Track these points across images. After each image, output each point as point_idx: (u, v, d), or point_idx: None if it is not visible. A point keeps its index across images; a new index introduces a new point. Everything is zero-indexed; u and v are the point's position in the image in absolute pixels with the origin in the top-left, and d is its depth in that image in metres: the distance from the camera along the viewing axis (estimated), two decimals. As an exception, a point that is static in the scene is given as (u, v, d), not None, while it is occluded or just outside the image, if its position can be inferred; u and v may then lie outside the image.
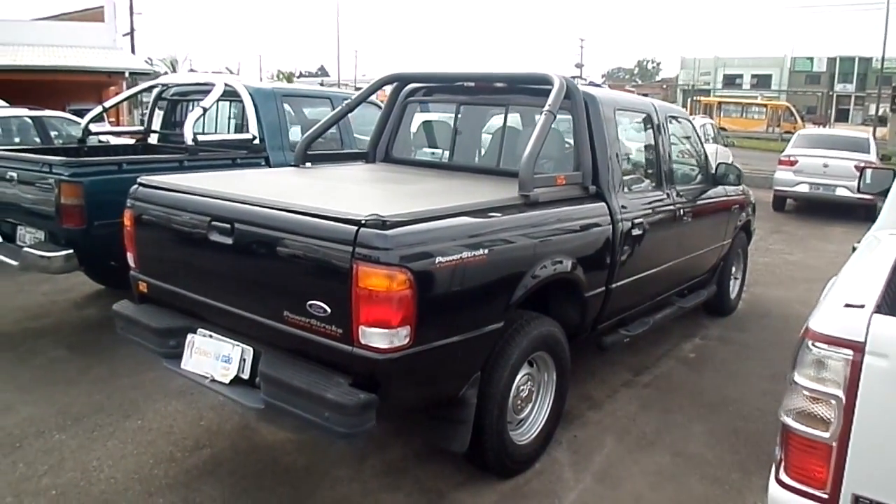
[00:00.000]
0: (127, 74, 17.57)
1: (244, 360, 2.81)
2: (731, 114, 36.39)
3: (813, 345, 1.49)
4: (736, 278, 6.01)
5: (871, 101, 40.32)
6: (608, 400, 4.17)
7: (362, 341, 2.40)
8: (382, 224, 2.37)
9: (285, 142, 5.61)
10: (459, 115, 4.17)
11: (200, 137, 5.07)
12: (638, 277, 3.96)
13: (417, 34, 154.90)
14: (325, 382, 2.49)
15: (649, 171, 4.28)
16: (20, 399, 3.89)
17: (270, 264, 2.68)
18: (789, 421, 1.53)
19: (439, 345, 2.57)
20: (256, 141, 5.36)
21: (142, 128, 6.36)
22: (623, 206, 3.72)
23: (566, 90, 3.52)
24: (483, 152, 4.18)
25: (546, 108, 3.33)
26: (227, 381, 2.82)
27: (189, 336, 3.00)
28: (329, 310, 2.46)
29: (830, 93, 46.83)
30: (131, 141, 7.08)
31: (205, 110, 5.08)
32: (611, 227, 3.59)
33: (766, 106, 39.00)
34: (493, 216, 2.86)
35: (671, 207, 4.31)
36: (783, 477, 1.54)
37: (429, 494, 3.10)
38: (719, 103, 37.39)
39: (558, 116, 3.50)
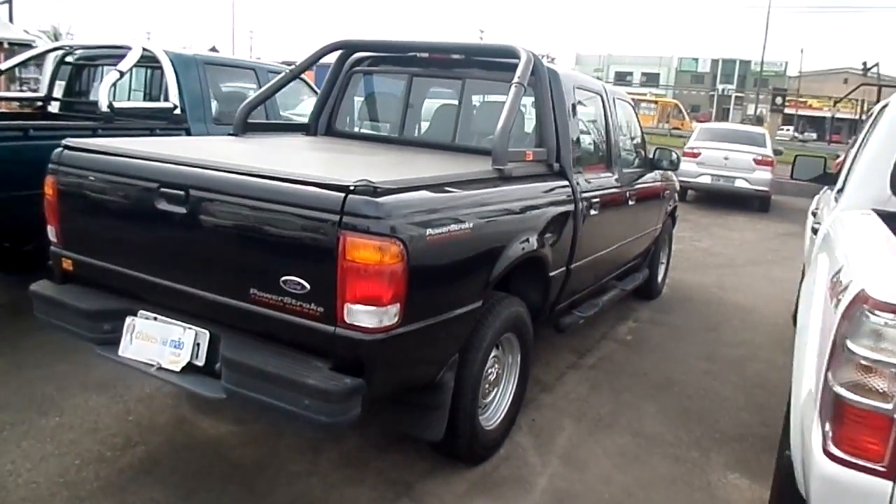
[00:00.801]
0: (5, 45, 15.88)
1: (198, 344, 2.50)
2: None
3: (872, 313, 1.45)
4: (662, 263, 6.17)
5: (749, 101, 43.26)
6: (558, 383, 4.12)
7: (347, 320, 2.18)
8: (373, 191, 2.15)
9: (207, 113, 5.20)
10: (411, 88, 3.96)
11: (116, 105, 4.58)
12: (592, 258, 3.93)
13: (313, 18, 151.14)
14: (301, 367, 2.25)
15: (600, 152, 4.26)
16: None
17: (234, 236, 2.40)
18: (843, 392, 1.48)
19: (425, 325, 2.38)
20: (177, 111, 4.93)
21: (40, 94, 5.70)
22: (582, 185, 3.66)
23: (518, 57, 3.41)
24: (435, 127, 3.99)
25: (515, 80, 3.20)
26: (177, 369, 2.50)
27: (128, 319, 2.65)
28: (308, 286, 2.22)
29: (712, 92, 49.90)
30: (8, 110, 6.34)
31: (121, 74, 4.59)
32: (573, 205, 3.53)
33: (656, 103, 40.90)
34: (475, 189, 2.71)
35: (618, 189, 4.31)
36: (833, 449, 1.50)
37: (395, 486, 2.91)
38: (615, 99, 38.81)
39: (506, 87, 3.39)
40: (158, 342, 2.58)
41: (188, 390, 2.50)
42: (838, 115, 40.86)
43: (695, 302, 6.21)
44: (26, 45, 16.10)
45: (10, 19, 19.47)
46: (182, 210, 2.44)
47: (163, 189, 2.48)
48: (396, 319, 2.23)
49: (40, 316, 2.93)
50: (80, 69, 5.69)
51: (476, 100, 3.94)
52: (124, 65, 4.63)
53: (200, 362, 2.50)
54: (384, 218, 2.13)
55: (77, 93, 5.66)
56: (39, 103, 5.64)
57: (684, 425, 3.70)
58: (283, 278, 2.25)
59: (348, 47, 4.01)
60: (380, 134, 4.07)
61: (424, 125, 4.05)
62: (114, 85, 4.56)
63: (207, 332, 2.49)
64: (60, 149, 2.85)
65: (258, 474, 2.93)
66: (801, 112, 43.56)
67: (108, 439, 3.11)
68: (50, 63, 5.65)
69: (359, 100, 4.28)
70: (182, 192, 2.43)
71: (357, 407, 2.24)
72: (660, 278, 6.13)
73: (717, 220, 11.00)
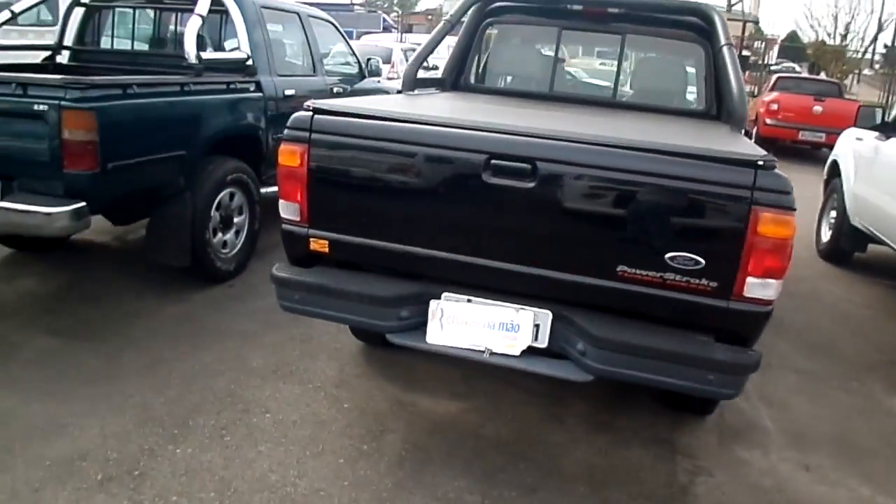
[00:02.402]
0: None
1: (537, 325, 2.37)
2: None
3: None
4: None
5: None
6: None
7: (746, 294, 2.16)
8: (774, 165, 2.12)
9: (272, 63, 4.71)
10: (559, 42, 3.82)
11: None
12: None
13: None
14: (693, 343, 2.23)
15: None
16: (62, 410, 2.86)
17: (604, 214, 2.26)
18: None
19: None
20: (250, 62, 4.42)
21: (50, 43, 4.80)
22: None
23: (710, 18, 3.43)
24: (591, 82, 3.91)
25: (723, 42, 3.22)
26: (517, 353, 2.37)
27: (432, 304, 2.44)
28: (702, 262, 2.16)
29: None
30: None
31: (203, 19, 4.00)
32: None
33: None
34: None
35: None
36: None
37: (662, 444, 2.96)
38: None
39: (676, 45, 3.44)
40: (481, 325, 2.41)
41: (539, 374, 2.36)
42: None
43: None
44: None
45: None
46: (527, 185, 2.25)
47: (495, 161, 2.27)
48: (779, 290, 2.25)
49: (292, 305, 2.61)
50: (91, 13, 4.87)
51: (636, 56, 3.89)
52: (202, 8, 4.04)
53: (542, 344, 2.37)
54: (790, 192, 2.12)
55: (92, 41, 4.87)
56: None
57: (823, 359, 4.02)
58: (671, 254, 2.18)
59: None
60: (528, 90, 3.89)
61: (579, 80, 3.94)
62: (199, 31, 3.98)
63: (549, 313, 2.36)
64: (308, 113, 2.48)
65: (530, 449, 2.85)
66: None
67: (345, 431, 2.88)
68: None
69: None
70: (527, 166, 2.24)
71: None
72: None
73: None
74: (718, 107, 3.62)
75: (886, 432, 3.25)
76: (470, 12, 3.83)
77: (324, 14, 5.75)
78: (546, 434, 2.98)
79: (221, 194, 4.20)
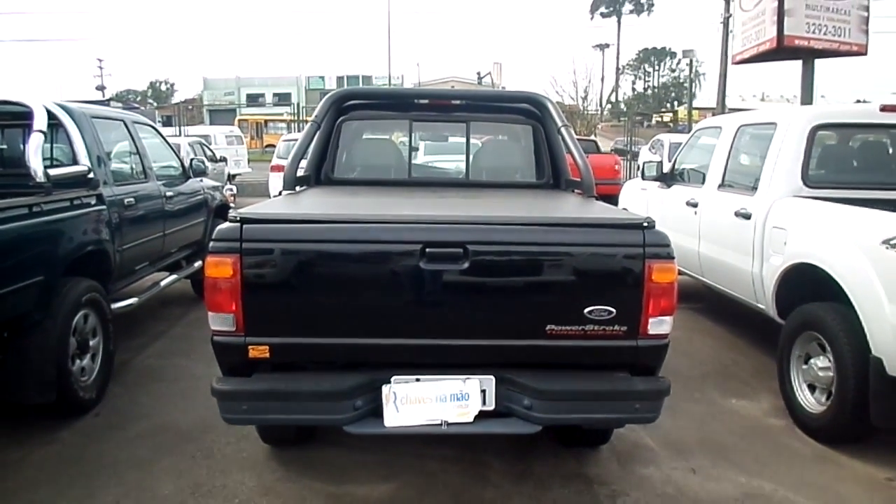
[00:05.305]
0: None
1: (484, 391, 2.62)
2: (280, 130, 38.19)
3: None
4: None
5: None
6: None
7: (650, 332, 2.62)
8: (654, 224, 2.64)
9: (109, 174, 4.53)
10: (412, 132, 4.21)
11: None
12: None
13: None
14: (616, 380, 2.63)
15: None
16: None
17: (527, 283, 2.59)
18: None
19: None
20: (91, 175, 4.22)
21: None
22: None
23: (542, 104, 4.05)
24: (445, 167, 4.31)
25: (560, 124, 3.82)
26: (470, 420, 2.59)
27: (385, 388, 2.59)
28: (614, 311, 2.58)
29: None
30: None
31: (45, 134, 3.77)
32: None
33: (306, 121, 42.28)
34: None
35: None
36: None
37: (577, 479, 3.29)
38: (266, 121, 39.22)
39: (512, 128, 4.06)
40: (433, 400, 2.60)
41: (494, 434, 2.60)
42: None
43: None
44: None
45: None
46: (460, 266, 2.52)
47: (430, 249, 2.52)
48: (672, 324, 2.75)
49: (239, 416, 2.60)
50: None
51: (482, 140, 4.38)
52: (41, 123, 3.82)
53: (490, 407, 2.62)
54: (669, 244, 2.64)
55: None
56: None
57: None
58: (588, 309, 2.57)
59: (351, 97, 4.06)
60: (389, 178, 4.19)
61: (426, 166, 4.32)
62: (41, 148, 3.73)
63: (493, 378, 2.63)
64: (236, 224, 2.55)
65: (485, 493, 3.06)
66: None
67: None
68: None
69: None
70: (460, 250, 2.53)
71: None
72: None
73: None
74: (556, 178, 4.22)
75: (735, 427, 3.95)
76: (327, 113, 4.07)
77: (143, 118, 5.62)
78: (480, 493, 3.19)
79: (77, 317, 3.91)
